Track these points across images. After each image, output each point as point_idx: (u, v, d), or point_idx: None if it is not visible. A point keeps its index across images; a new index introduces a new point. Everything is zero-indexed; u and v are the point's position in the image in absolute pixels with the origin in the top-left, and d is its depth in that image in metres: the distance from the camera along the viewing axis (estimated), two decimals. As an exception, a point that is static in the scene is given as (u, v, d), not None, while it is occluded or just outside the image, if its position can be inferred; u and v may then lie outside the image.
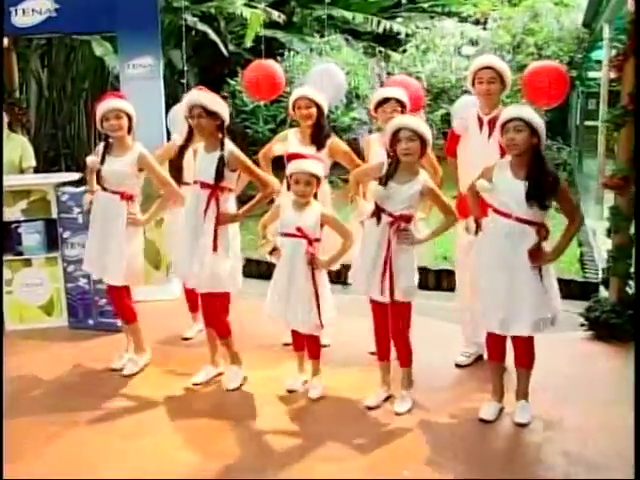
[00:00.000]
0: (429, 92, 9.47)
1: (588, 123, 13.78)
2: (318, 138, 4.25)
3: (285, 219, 3.62)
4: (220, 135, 3.73)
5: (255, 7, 9.46)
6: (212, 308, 3.87)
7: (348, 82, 6.72)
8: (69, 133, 10.16)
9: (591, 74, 12.89)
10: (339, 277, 4.25)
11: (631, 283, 4.63)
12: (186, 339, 4.70)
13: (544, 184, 3.23)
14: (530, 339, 3.41)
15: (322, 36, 10.08)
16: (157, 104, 5.46)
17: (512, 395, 3.56)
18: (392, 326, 3.55)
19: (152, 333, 4.53)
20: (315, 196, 3.65)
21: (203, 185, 3.70)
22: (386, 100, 4.09)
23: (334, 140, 4.34)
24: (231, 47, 10.15)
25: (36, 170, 5.68)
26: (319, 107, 4.24)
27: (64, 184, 4.94)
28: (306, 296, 3.55)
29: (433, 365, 4.16)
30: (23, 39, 7.82)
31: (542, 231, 3.30)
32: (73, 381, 4.11)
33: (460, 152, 4.09)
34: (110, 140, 4.00)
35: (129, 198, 3.98)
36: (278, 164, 4.34)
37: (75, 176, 5.14)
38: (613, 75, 5.06)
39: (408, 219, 3.44)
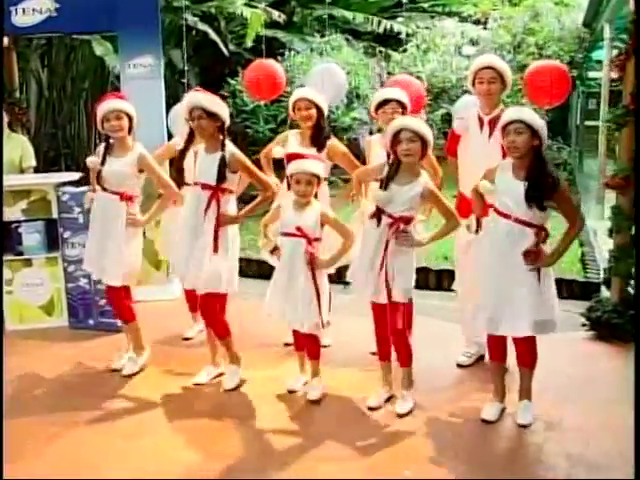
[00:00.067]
0: (429, 92, 9.45)
1: (588, 123, 13.80)
2: (318, 139, 4.24)
3: (285, 219, 3.61)
4: (221, 136, 3.72)
5: (255, 7, 9.46)
6: (211, 308, 3.87)
7: (349, 82, 6.72)
8: (69, 133, 10.15)
9: (591, 74, 12.90)
10: (339, 277, 4.23)
11: (633, 283, 4.62)
12: (187, 339, 4.70)
13: (543, 185, 3.22)
14: (532, 339, 3.41)
15: (322, 36, 10.07)
16: (158, 104, 5.45)
17: (514, 395, 3.56)
18: (390, 326, 3.54)
19: (152, 333, 4.52)
20: (315, 196, 3.65)
21: (204, 186, 3.70)
22: (386, 101, 4.09)
23: (333, 142, 4.34)
24: (231, 47, 10.14)
25: (36, 170, 5.67)
26: (319, 108, 4.23)
27: (64, 184, 4.94)
28: (306, 295, 3.54)
29: (434, 365, 4.16)
30: (23, 39, 7.80)
31: (541, 233, 3.29)
32: (73, 381, 4.10)
33: (460, 152, 4.08)
34: (111, 141, 4.00)
35: (129, 199, 3.98)
36: (279, 164, 4.33)
37: (75, 176, 5.14)
38: (615, 75, 5.05)
39: (408, 221, 3.43)
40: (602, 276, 5.10)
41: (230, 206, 3.80)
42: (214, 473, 3.09)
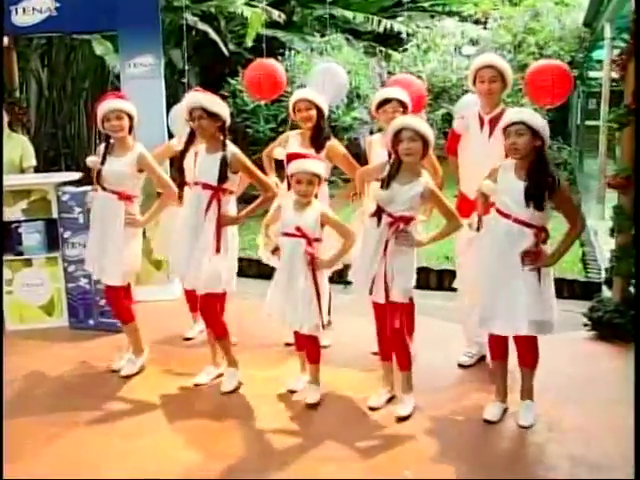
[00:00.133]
0: (430, 92, 9.45)
1: (589, 123, 13.80)
2: (317, 140, 4.23)
3: (285, 219, 3.60)
4: (221, 136, 3.72)
5: (255, 6, 9.44)
6: (211, 309, 3.86)
7: (349, 82, 6.70)
8: (69, 133, 10.13)
9: (592, 74, 12.90)
10: (341, 277, 4.23)
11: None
12: (187, 339, 4.69)
13: (543, 185, 3.21)
14: (533, 338, 3.40)
15: (323, 35, 10.07)
16: (158, 103, 5.44)
17: (515, 395, 3.55)
18: (389, 326, 3.53)
19: (153, 333, 4.52)
20: (315, 196, 3.63)
21: (205, 186, 3.69)
22: (387, 100, 4.08)
23: (332, 143, 4.33)
24: (231, 46, 10.13)
25: (36, 170, 5.66)
26: (319, 109, 4.23)
27: (64, 184, 4.94)
28: (306, 296, 3.52)
29: (435, 365, 4.15)
30: (23, 38, 7.79)
31: (541, 234, 3.28)
32: (74, 381, 4.09)
33: (461, 151, 4.07)
34: (111, 140, 3.99)
35: (127, 198, 3.97)
36: (279, 164, 4.32)
37: (75, 176, 5.13)
38: (616, 74, 5.04)
39: (408, 220, 3.42)
40: (603, 276, 5.09)
41: (230, 207, 3.79)
42: (214, 473, 3.08)
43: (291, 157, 3.85)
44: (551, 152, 8.89)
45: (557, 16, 11.28)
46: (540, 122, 3.22)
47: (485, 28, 11.87)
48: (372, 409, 3.62)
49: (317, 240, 3.55)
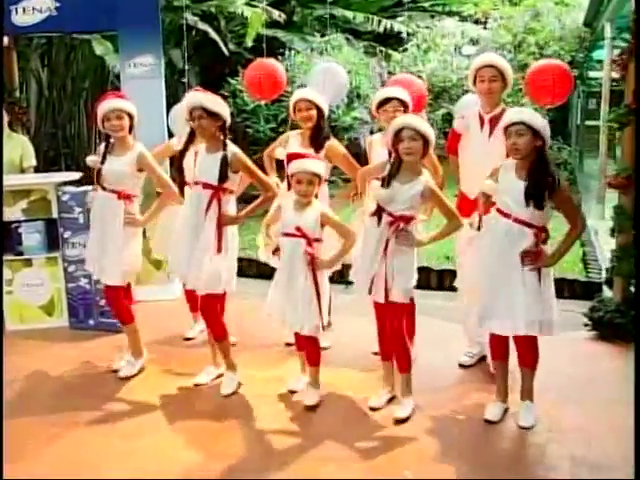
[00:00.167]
0: (430, 92, 9.44)
1: (589, 122, 13.80)
2: (317, 140, 4.23)
3: (286, 219, 3.59)
4: (222, 136, 3.71)
5: (255, 6, 9.43)
6: (212, 309, 3.85)
7: (349, 82, 6.70)
8: (69, 132, 10.13)
9: (592, 73, 12.89)
10: (341, 277, 4.22)
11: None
12: (188, 339, 4.68)
13: (543, 184, 3.21)
14: (533, 339, 3.39)
15: (323, 35, 10.06)
16: (158, 103, 5.44)
17: (516, 395, 3.54)
18: (388, 326, 3.52)
19: (153, 333, 4.52)
20: (315, 196, 3.63)
21: (205, 186, 3.68)
22: (388, 100, 4.07)
23: (332, 143, 4.31)
24: (231, 46, 10.12)
25: (36, 169, 5.66)
26: (319, 109, 4.22)
27: (65, 184, 4.93)
28: (306, 297, 3.50)
29: (436, 365, 4.15)
30: (23, 38, 7.79)
31: (541, 234, 3.28)
32: (74, 381, 4.09)
33: (461, 151, 4.07)
34: (111, 140, 3.98)
35: (126, 197, 3.96)
36: (280, 164, 4.32)
37: (76, 175, 5.13)
38: (617, 74, 5.04)
39: (408, 220, 3.41)
40: (604, 276, 5.09)
41: (230, 206, 3.79)
42: (215, 473, 3.08)
43: (291, 157, 3.85)
44: (551, 152, 8.89)
45: (557, 16, 11.27)
46: (541, 122, 3.21)
47: (485, 28, 11.87)
48: (373, 409, 3.62)
49: (317, 240, 3.54)
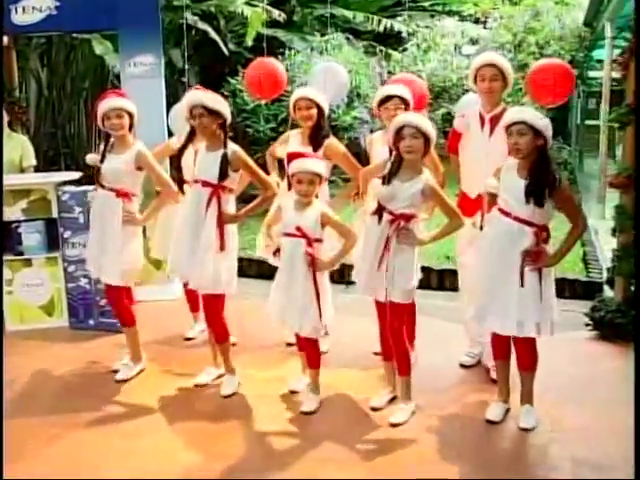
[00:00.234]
0: (430, 91, 9.43)
1: (589, 122, 13.81)
2: (315, 138, 4.21)
3: (286, 219, 3.57)
4: (222, 134, 3.70)
5: (255, 6, 9.43)
6: (214, 309, 3.84)
7: (350, 81, 6.69)
8: (69, 132, 10.12)
9: (592, 73, 12.89)
10: (342, 277, 4.21)
11: (636, 282, 4.61)
12: (188, 339, 4.67)
13: (544, 181, 3.20)
14: (531, 341, 3.38)
15: (323, 35, 10.05)
16: (158, 103, 5.43)
17: (517, 395, 3.53)
18: (388, 326, 3.51)
19: (153, 333, 4.51)
20: (316, 196, 3.62)
21: (205, 184, 3.67)
22: (389, 98, 4.06)
23: (331, 141, 4.29)
24: (231, 46, 10.12)
25: (36, 169, 5.65)
26: (320, 108, 4.21)
27: (64, 183, 4.92)
28: (306, 297, 3.48)
29: (437, 365, 4.14)
30: (23, 37, 7.78)
31: (541, 234, 3.27)
32: (74, 382, 4.08)
33: (462, 150, 4.06)
34: (111, 138, 3.98)
35: (125, 195, 3.94)
36: (280, 163, 4.31)
37: (75, 175, 5.12)
38: (617, 74, 5.04)
39: (409, 218, 3.40)
40: (605, 275, 5.08)
41: (229, 205, 3.77)
42: (215, 473, 3.07)
43: (290, 155, 3.83)
44: (551, 152, 8.90)
45: (557, 15, 11.28)
46: (542, 121, 3.20)
47: (485, 27, 11.89)
48: (374, 409, 3.61)
49: (318, 240, 3.51)
